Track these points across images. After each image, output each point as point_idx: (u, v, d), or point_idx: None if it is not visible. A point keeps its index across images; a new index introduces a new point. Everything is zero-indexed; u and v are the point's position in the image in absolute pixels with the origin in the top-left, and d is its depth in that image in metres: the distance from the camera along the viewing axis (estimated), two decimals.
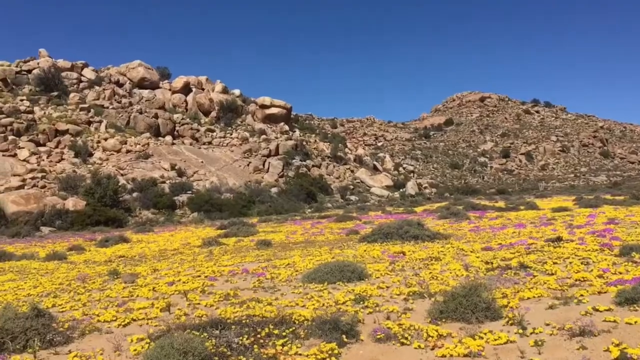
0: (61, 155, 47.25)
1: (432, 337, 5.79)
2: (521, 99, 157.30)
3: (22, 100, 52.95)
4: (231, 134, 63.09)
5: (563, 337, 5.58)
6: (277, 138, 63.96)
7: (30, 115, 50.28)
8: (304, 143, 66.22)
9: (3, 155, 44.48)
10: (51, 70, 58.36)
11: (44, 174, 42.52)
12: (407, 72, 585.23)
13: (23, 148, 45.90)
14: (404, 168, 79.84)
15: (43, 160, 45.50)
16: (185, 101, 67.52)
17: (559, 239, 12.53)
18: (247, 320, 6.51)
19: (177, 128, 60.27)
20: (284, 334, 6.03)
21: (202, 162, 53.52)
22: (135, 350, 5.88)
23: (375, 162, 72.27)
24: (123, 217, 37.56)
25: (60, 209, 35.78)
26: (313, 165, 61.88)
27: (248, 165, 56.31)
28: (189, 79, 69.65)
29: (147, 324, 7.16)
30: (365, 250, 13.23)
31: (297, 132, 70.53)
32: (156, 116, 59.51)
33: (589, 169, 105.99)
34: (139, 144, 52.54)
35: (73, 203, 36.88)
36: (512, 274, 8.98)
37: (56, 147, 48.35)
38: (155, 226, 33.06)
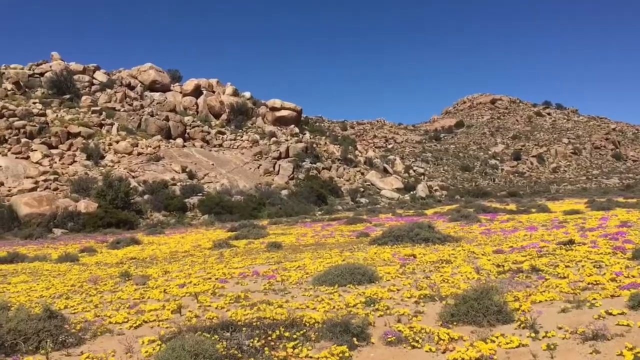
0: (73, 158, 47.68)
1: (444, 340, 5.75)
2: (532, 101, 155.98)
3: (34, 103, 53.57)
4: (242, 137, 63.28)
5: (576, 341, 5.53)
6: (287, 140, 64.06)
7: (42, 118, 50.81)
8: (314, 145, 66.26)
9: (16, 158, 44.97)
10: (63, 73, 58.94)
11: (57, 176, 42.91)
12: (418, 74, 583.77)
13: (36, 150, 46.37)
14: (414, 170, 79.72)
15: (55, 162, 45.92)
16: (196, 104, 67.80)
17: (571, 241, 12.41)
18: (258, 323, 6.52)
19: (187, 130, 60.59)
20: (294, 336, 6.02)
21: (212, 164, 53.75)
22: (146, 352, 5.90)
23: (385, 165, 72.13)
24: (134, 219, 37.80)
25: (72, 211, 36.07)
26: (323, 168, 61.90)
27: (258, 167, 56.46)
28: (199, 82, 69.94)
29: (159, 325, 7.19)
30: (375, 253, 13.19)
31: (307, 135, 70.59)
32: (167, 119, 59.89)
33: (601, 172, 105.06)
34: (150, 147, 52.90)
35: (85, 205, 37.18)
36: (524, 277, 8.89)
37: (68, 149, 48.79)
38: (166, 228, 33.25)
